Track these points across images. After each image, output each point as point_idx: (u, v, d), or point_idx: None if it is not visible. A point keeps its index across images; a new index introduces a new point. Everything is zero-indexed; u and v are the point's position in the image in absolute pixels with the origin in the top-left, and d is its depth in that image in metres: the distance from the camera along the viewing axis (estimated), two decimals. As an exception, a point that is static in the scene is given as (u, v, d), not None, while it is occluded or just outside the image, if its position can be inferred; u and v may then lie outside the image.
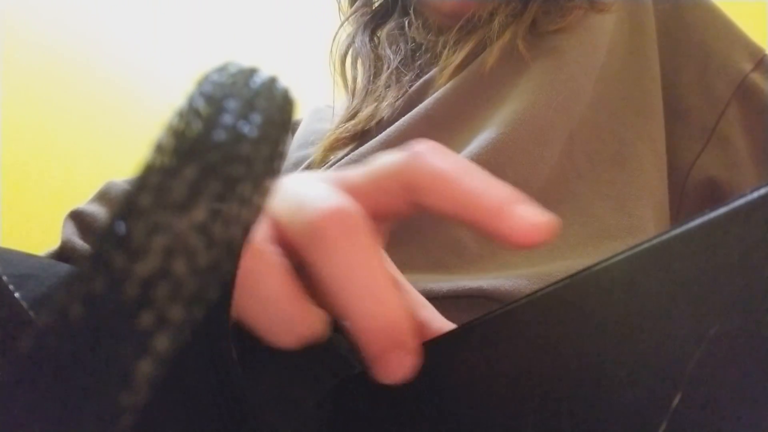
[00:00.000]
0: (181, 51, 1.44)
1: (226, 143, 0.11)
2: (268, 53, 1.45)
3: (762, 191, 0.14)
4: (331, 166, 0.49)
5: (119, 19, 1.42)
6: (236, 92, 0.11)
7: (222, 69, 0.12)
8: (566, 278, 0.16)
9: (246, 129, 0.11)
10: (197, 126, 0.11)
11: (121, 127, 1.39)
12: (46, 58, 1.35)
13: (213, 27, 1.47)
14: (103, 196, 0.48)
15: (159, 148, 0.11)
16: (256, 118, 0.11)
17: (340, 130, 0.50)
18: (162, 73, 1.42)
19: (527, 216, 0.20)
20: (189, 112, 0.11)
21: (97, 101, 1.39)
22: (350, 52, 0.58)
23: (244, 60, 0.12)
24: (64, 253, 0.44)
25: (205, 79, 0.12)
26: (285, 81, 0.12)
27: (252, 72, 0.12)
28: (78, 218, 0.46)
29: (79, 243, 0.44)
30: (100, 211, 0.46)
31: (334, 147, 0.50)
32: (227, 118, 0.11)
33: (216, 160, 0.11)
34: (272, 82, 0.12)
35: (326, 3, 0.62)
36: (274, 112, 0.12)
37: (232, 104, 0.11)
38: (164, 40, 1.45)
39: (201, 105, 0.11)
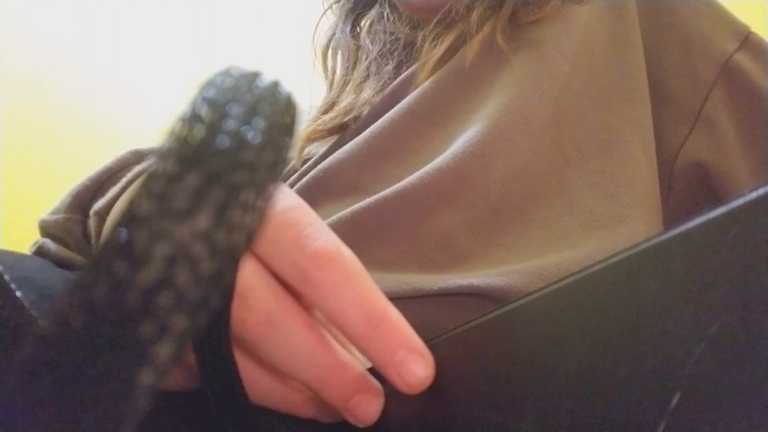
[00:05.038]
0: (175, 60, 1.44)
1: (230, 149, 0.11)
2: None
3: (761, 191, 0.14)
4: (310, 160, 0.49)
5: (113, 27, 1.41)
6: (239, 97, 0.11)
7: (225, 73, 0.12)
8: (566, 278, 0.16)
9: (250, 135, 0.11)
10: (200, 132, 0.11)
11: (121, 129, 1.38)
12: (46, 62, 1.34)
13: (207, 35, 1.46)
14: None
15: (161, 154, 0.11)
16: (260, 123, 0.11)
17: (318, 122, 0.50)
18: (161, 78, 1.42)
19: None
20: (192, 118, 0.11)
21: (95, 109, 1.39)
22: (331, 43, 0.58)
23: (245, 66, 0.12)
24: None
25: (208, 84, 0.12)
26: (287, 84, 0.12)
27: (255, 76, 0.12)
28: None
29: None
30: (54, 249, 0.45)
31: (311, 138, 0.50)
32: (231, 124, 0.11)
33: (219, 167, 0.10)
34: (275, 86, 0.12)
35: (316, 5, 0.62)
36: (278, 116, 0.12)
37: (235, 109, 0.11)
38: (159, 44, 1.44)
39: (204, 110, 0.11)
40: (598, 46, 0.49)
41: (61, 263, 0.42)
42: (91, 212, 0.44)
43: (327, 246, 0.21)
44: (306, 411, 0.24)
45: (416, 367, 0.20)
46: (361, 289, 0.21)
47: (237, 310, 0.20)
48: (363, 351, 0.21)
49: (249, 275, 0.21)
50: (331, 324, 0.22)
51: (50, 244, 0.44)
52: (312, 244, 0.21)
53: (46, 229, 0.47)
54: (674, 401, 0.14)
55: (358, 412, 0.22)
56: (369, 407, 0.22)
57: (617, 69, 0.48)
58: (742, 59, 0.48)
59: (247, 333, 0.21)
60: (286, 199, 0.22)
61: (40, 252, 0.43)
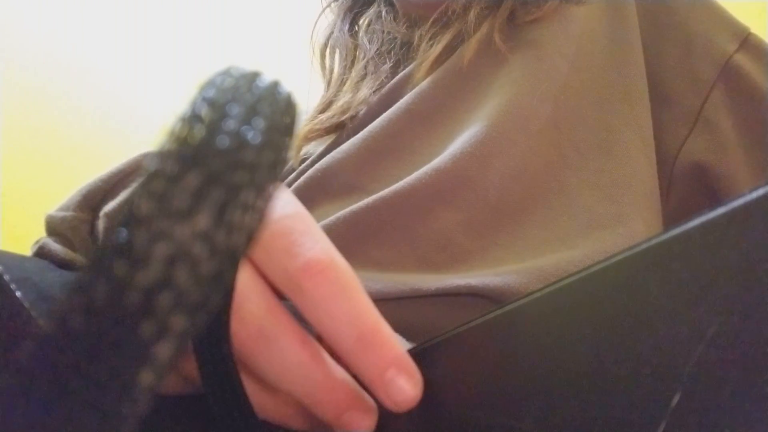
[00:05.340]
0: (175, 60, 1.44)
1: (230, 149, 0.11)
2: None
3: (760, 192, 0.14)
4: (307, 159, 0.50)
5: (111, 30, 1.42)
6: (239, 97, 0.11)
7: (225, 73, 0.12)
8: (566, 278, 0.16)
9: (250, 135, 0.11)
10: (200, 132, 0.11)
11: (122, 129, 1.39)
12: (47, 61, 1.34)
13: (208, 35, 1.47)
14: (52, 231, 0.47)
15: (162, 154, 0.11)
16: (260, 123, 0.11)
17: (315, 121, 0.50)
18: (162, 78, 1.42)
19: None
20: (192, 118, 0.11)
21: (95, 109, 1.39)
22: (329, 42, 0.58)
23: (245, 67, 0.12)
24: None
25: (208, 84, 0.12)
26: (287, 84, 0.12)
27: (255, 76, 0.12)
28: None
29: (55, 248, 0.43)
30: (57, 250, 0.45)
31: (308, 137, 0.50)
32: (231, 124, 0.11)
33: (219, 167, 0.10)
34: (275, 86, 0.12)
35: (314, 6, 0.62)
36: (278, 116, 0.12)
37: (235, 109, 0.11)
38: (159, 43, 1.45)
39: (204, 110, 0.11)
40: (598, 46, 0.49)
41: (62, 264, 0.42)
42: (101, 214, 0.44)
43: (320, 256, 0.20)
44: (299, 424, 0.24)
45: (405, 385, 0.20)
46: (354, 303, 0.20)
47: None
48: (351, 366, 0.21)
49: (243, 285, 0.21)
50: (320, 336, 0.21)
51: (52, 245, 0.44)
52: (306, 254, 0.20)
53: (52, 225, 0.46)
54: (674, 401, 0.14)
55: (350, 428, 0.22)
56: (361, 423, 0.22)
57: (616, 69, 0.48)
58: (742, 60, 0.48)
59: (239, 346, 0.21)
60: (285, 206, 0.22)
61: (41, 252, 0.43)
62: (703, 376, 0.14)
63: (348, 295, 0.20)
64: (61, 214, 0.46)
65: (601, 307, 0.16)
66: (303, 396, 0.21)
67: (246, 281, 0.21)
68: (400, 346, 0.21)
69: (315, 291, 0.20)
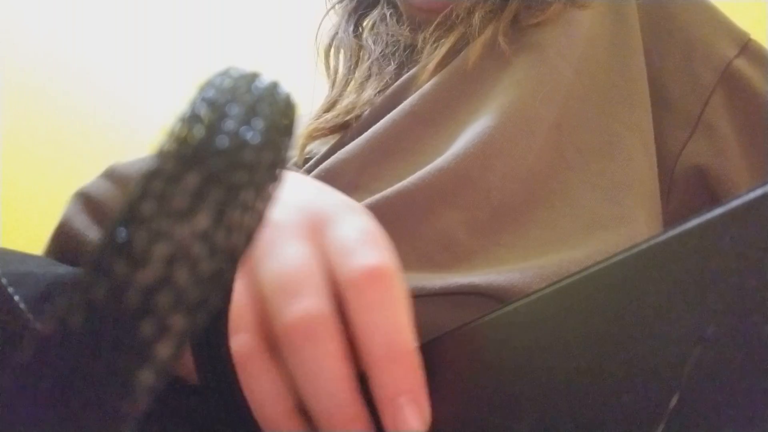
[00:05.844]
0: (176, 61, 1.44)
1: (229, 150, 0.11)
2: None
3: (758, 192, 0.14)
4: (313, 159, 0.50)
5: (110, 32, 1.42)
6: (238, 97, 0.11)
7: (224, 74, 0.12)
8: (565, 278, 0.16)
9: (249, 135, 0.11)
10: (200, 132, 0.11)
11: (122, 129, 1.38)
12: (47, 62, 1.34)
13: (209, 35, 1.47)
14: (110, 176, 0.46)
15: (161, 154, 0.11)
16: (259, 123, 0.11)
17: (320, 120, 0.51)
18: (162, 78, 1.42)
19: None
20: (191, 118, 0.11)
21: (95, 110, 1.39)
22: (334, 43, 0.59)
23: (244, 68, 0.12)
24: (62, 236, 0.42)
25: (208, 84, 0.12)
26: (288, 85, 0.12)
27: (254, 77, 0.12)
28: (84, 199, 0.43)
29: (80, 225, 0.42)
30: (108, 190, 0.44)
31: (313, 136, 0.50)
32: (230, 124, 0.11)
33: (219, 167, 0.11)
34: (274, 86, 0.12)
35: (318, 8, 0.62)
36: (277, 117, 0.12)
37: (234, 110, 0.11)
38: (160, 44, 1.45)
39: (203, 110, 0.11)
40: (600, 49, 0.49)
41: (78, 246, 0.40)
42: None
43: (382, 265, 0.21)
44: None
45: (412, 417, 0.20)
46: (397, 319, 0.21)
47: (281, 302, 0.20)
48: (370, 376, 0.21)
49: (311, 278, 0.21)
50: (354, 336, 0.21)
51: (77, 220, 0.42)
52: (370, 259, 0.21)
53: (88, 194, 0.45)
54: (673, 401, 0.14)
55: None
56: None
57: (618, 73, 0.49)
58: (742, 65, 0.48)
59: (282, 332, 0.21)
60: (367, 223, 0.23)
61: (61, 230, 0.42)
62: (702, 377, 0.14)
63: (394, 310, 0.21)
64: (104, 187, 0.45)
65: (601, 307, 0.16)
66: (320, 411, 0.21)
67: (315, 276, 0.21)
68: (422, 378, 0.21)
69: (367, 293, 0.21)
